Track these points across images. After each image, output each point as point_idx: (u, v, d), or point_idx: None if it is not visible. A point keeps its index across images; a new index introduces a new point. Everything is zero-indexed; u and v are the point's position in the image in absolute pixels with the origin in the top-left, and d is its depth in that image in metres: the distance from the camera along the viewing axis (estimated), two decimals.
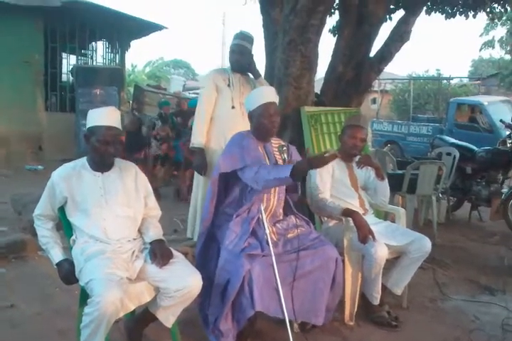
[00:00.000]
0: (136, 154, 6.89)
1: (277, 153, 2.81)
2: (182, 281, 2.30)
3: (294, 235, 2.72)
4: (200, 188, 3.73)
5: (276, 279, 2.49)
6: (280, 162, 2.78)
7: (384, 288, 3.07)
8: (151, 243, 2.50)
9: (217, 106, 3.72)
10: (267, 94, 2.86)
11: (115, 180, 2.53)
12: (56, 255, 2.46)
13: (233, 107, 3.66)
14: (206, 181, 3.47)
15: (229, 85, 3.69)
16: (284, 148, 2.80)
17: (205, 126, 3.70)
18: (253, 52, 3.80)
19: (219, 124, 3.69)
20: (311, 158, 2.52)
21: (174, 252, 2.48)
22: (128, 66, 20.18)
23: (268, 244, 2.58)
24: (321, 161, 2.44)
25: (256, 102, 2.81)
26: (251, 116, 2.85)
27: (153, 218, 2.66)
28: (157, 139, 7.59)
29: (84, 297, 2.32)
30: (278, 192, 2.81)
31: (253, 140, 2.81)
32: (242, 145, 2.75)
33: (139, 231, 2.59)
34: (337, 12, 5.52)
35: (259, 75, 3.83)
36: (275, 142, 2.90)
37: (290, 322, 2.55)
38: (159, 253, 2.40)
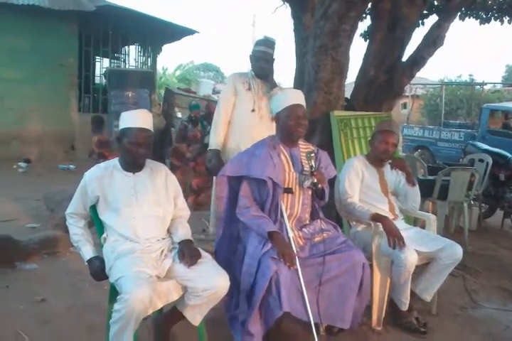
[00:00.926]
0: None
1: (304, 159, 2.78)
2: (209, 281, 2.32)
3: (320, 239, 2.70)
4: None
5: (300, 282, 2.49)
6: (307, 168, 2.73)
7: (413, 293, 3.04)
8: (179, 243, 2.53)
9: (236, 109, 3.76)
10: (295, 97, 2.82)
11: (146, 180, 2.57)
12: (87, 252, 2.52)
13: (253, 110, 3.69)
14: None
15: (250, 89, 3.72)
16: (312, 154, 2.74)
17: (222, 129, 3.75)
18: (274, 57, 3.81)
19: (237, 127, 3.73)
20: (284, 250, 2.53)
21: (202, 252, 2.50)
22: (159, 69, 20.45)
23: (292, 247, 2.59)
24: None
25: (283, 104, 2.77)
26: (277, 118, 2.80)
27: (182, 218, 2.69)
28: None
29: (113, 293, 2.37)
30: (302, 199, 2.78)
31: (271, 148, 2.75)
32: (253, 154, 2.74)
33: (168, 231, 2.63)
34: (368, 17, 5.50)
35: (275, 85, 3.83)
36: (304, 147, 2.85)
37: (316, 325, 2.53)
38: (188, 253, 2.43)
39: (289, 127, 2.74)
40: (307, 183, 2.70)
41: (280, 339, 2.65)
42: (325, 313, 2.56)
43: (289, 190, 2.73)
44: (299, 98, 2.82)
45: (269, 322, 2.46)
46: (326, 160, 2.90)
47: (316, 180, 2.65)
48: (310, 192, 2.82)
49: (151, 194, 2.55)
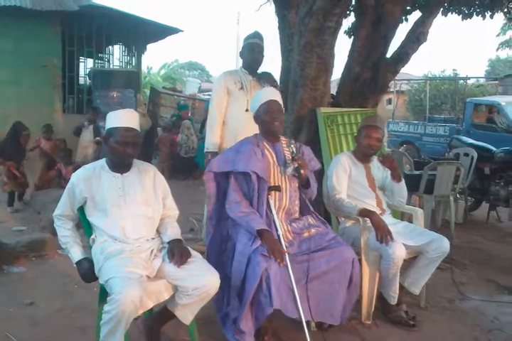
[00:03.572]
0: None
1: (286, 148, 2.84)
2: (200, 280, 2.32)
3: (309, 235, 2.73)
4: None
5: (291, 279, 2.50)
6: (288, 155, 2.79)
7: (401, 287, 3.07)
8: (169, 242, 2.52)
9: (229, 109, 3.76)
10: (268, 94, 2.91)
11: (134, 180, 2.56)
12: (76, 254, 2.50)
13: (247, 110, 3.70)
14: None
15: (242, 88, 3.72)
16: (292, 141, 2.85)
17: (218, 130, 3.74)
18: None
19: (231, 127, 3.73)
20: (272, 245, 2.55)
21: (192, 251, 2.50)
22: (143, 68, 20.35)
23: (281, 244, 2.61)
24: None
25: (258, 102, 2.87)
26: (256, 117, 2.90)
27: (171, 218, 2.70)
28: None
29: (103, 295, 2.36)
30: (289, 191, 2.82)
31: (254, 145, 2.81)
32: (237, 151, 2.82)
33: (158, 231, 2.62)
34: (352, 14, 5.51)
35: (277, 85, 3.89)
36: (284, 140, 2.92)
37: (307, 320, 2.55)
38: (177, 252, 2.43)
39: (267, 122, 2.82)
40: (290, 170, 2.75)
41: (271, 336, 2.67)
42: (316, 310, 2.59)
43: (276, 188, 2.76)
44: (272, 95, 2.90)
45: (260, 319, 2.47)
46: (310, 154, 2.98)
47: (297, 165, 2.70)
48: (296, 184, 2.85)
49: (140, 194, 2.55)
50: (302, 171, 2.70)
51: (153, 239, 2.56)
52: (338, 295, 2.63)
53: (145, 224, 2.54)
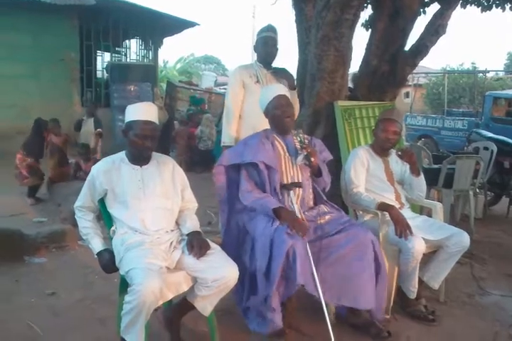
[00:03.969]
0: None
1: (295, 138, 2.84)
2: (219, 272, 2.34)
3: (324, 221, 2.75)
4: None
5: (310, 262, 2.49)
6: (297, 144, 2.81)
7: (421, 281, 3.05)
8: (188, 234, 2.54)
9: (245, 102, 3.75)
10: (276, 89, 2.93)
11: (153, 173, 2.58)
12: (97, 245, 2.54)
13: None
14: None
15: (258, 81, 3.71)
16: (300, 130, 2.87)
17: (234, 124, 3.75)
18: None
19: (248, 121, 3.72)
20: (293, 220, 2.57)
21: (211, 243, 2.51)
22: (160, 62, 20.41)
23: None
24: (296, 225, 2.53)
25: (267, 99, 2.90)
26: (266, 114, 2.92)
27: (190, 210, 2.72)
28: None
29: (124, 285, 2.38)
30: (302, 180, 2.83)
31: (263, 137, 2.85)
32: (246, 143, 2.87)
33: (177, 223, 2.64)
34: (369, 6, 5.46)
35: (294, 87, 3.89)
36: (293, 132, 2.91)
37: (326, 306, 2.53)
38: (197, 244, 2.44)
39: (277, 117, 2.85)
40: (300, 158, 2.76)
41: (291, 329, 2.67)
42: (346, 296, 2.57)
43: (297, 184, 2.79)
44: (280, 90, 2.93)
45: (287, 294, 2.47)
46: (321, 146, 3.01)
47: (306, 153, 2.71)
48: (308, 173, 2.88)
49: (159, 186, 2.57)
50: (312, 159, 2.72)
51: (172, 231, 2.58)
52: (361, 278, 2.58)
53: (164, 216, 2.56)
